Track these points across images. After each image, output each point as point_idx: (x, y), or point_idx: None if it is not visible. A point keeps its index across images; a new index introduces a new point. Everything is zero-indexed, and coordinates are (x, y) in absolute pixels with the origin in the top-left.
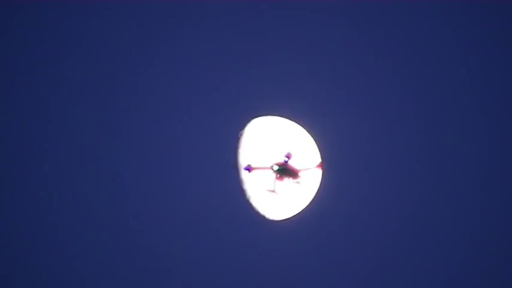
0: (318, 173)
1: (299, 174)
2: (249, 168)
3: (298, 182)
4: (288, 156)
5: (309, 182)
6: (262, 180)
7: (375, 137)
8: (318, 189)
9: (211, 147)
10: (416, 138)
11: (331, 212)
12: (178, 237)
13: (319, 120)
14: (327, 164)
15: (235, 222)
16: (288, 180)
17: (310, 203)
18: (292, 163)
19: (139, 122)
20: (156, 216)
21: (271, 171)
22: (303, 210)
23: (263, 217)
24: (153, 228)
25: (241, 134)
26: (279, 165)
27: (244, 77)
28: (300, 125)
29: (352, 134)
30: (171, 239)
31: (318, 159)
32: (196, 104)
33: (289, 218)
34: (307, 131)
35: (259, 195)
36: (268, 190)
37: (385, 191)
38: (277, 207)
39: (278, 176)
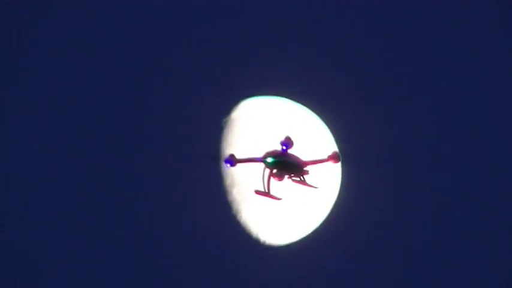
0: (333, 168)
1: (304, 168)
2: (231, 161)
3: (303, 181)
4: (287, 143)
5: (320, 181)
6: (249, 178)
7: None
8: (338, 197)
9: (191, 141)
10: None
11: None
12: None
13: (329, 103)
14: (344, 156)
15: (222, 248)
16: (289, 178)
17: (326, 219)
18: (293, 153)
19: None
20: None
21: (264, 164)
22: (314, 230)
23: (257, 242)
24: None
25: (226, 122)
26: (275, 156)
27: (230, 48)
28: (306, 108)
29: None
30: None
31: (331, 149)
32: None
33: (293, 243)
34: (318, 117)
35: (249, 202)
36: (259, 192)
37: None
38: (276, 224)
39: (274, 171)
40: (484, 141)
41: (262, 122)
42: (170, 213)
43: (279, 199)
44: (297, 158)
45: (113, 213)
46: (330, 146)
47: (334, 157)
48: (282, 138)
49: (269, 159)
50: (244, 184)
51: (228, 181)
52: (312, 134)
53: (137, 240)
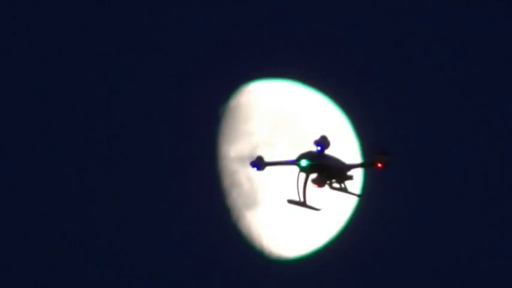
0: (379, 172)
1: (347, 172)
2: (258, 164)
3: (344, 188)
4: (323, 143)
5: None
6: (254, 177)
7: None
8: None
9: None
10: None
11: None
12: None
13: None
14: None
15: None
16: (326, 185)
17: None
18: (331, 154)
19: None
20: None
21: (298, 168)
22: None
23: (261, 254)
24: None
25: (223, 111)
26: (311, 158)
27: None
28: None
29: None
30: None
31: (380, 153)
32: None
33: (304, 256)
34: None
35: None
36: (294, 202)
37: None
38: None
39: (310, 176)
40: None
41: (266, 109)
42: (160, 219)
43: (318, 209)
44: (338, 160)
45: (103, 217)
46: (350, 138)
47: (381, 160)
48: (317, 137)
49: (304, 162)
50: (246, 185)
51: (227, 182)
52: (326, 123)
53: (128, 253)
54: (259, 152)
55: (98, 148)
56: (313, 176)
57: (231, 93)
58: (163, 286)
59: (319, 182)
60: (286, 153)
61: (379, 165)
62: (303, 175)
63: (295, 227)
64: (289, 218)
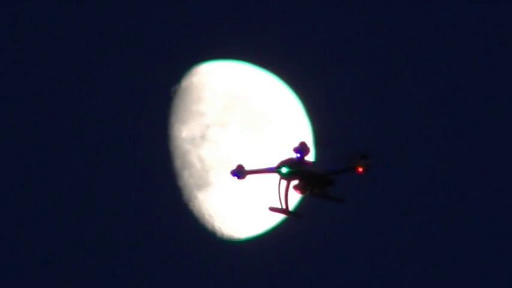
0: (360, 175)
1: (328, 178)
2: (238, 173)
3: (326, 194)
4: (302, 149)
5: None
6: (207, 157)
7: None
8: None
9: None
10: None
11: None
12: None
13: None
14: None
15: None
16: (308, 192)
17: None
18: (311, 160)
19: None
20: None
21: (279, 175)
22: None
23: (212, 235)
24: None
25: (175, 91)
26: (291, 165)
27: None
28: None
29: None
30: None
31: (361, 157)
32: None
33: (256, 237)
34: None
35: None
36: (275, 209)
37: None
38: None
39: (290, 182)
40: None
41: (218, 90)
42: (111, 200)
43: (300, 216)
44: (318, 166)
45: (54, 203)
46: (301, 118)
47: (362, 164)
48: (296, 144)
49: (284, 169)
50: (198, 166)
51: (178, 162)
52: (277, 103)
53: (79, 235)
54: (211, 133)
55: (50, 130)
56: (295, 182)
57: (182, 74)
58: (115, 266)
59: (301, 189)
60: (237, 134)
61: (360, 169)
62: (284, 182)
63: (246, 208)
64: (241, 199)
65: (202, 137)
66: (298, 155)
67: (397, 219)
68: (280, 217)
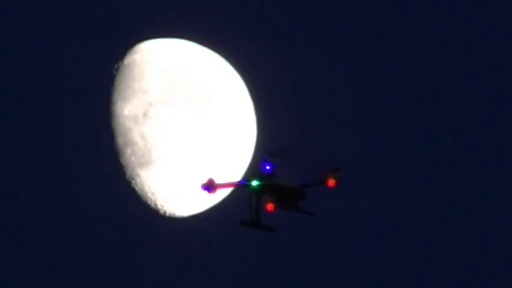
0: (331, 187)
1: (300, 191)
2: (209, 187)
3: (298, 207)
4: (270, 162)
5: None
6: (150, 135)
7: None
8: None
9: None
10: None
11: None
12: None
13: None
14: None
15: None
16: (284, 204)
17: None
18: (280, 172)
19: None
20: None
21: (249, 189)
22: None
23: (155, 212)
24: None
25: (117, 68)
26: (262, 179)
27: None
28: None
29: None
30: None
31: (332, 170)
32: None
33: (198, 214)
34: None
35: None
36: (247, 223)
37: None
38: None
39: (261, 196)
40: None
41: (161, 67)
42: (53, 178)
43: (274, 230)
44: (289, 179)
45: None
46: (244, 97)
47: (334, 177)
48: (264, 155)
49: (254, 183)
50: (140, 144)
51: (120, 140)
52: (221, 82)
53: (20, 217)
54: (153, 110)
55: None
56: (266, 197)
57: (124, 51)
58: (57, 244)
59: (272, 203)
60: (180, 112)
61: (332, 182)
62: (254, 196)
63: (189, 186)
64: (184, 176)
65: (145, 115)
66: (268, 168)
67: (369, 231)
68: (223, 195)
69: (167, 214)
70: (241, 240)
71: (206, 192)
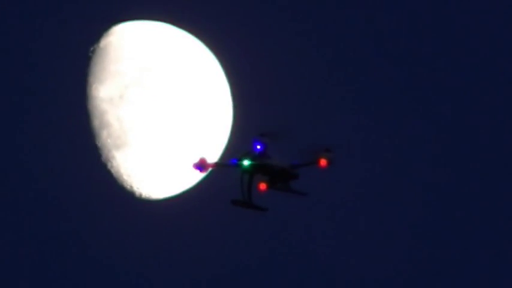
0: (323, 168)
1: (292, 172)
2: (201, 166)
3: (289, 187)
4: (262, 142)
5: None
6: (124, 117)
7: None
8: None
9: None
10: None
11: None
12: None
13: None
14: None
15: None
16: (275, 185)
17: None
18: (272, 151)
19: None
20: None
21: (241, 168)
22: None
23: (131, 195)
24: None
25: (94, 50)
26: (253, 158)
27: None
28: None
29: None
30: None
31: (324, 150)
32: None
33: (173, 197)
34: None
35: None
36: (238, 203)
37: None
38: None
39: (253, 175)
40: None
41: (137, 50)
42: (30, 161)
43: (265, 210)
44: (281, 159)
45: None
46: (220, 79)
47: (325, 157)
48: (255, 136)
49: (245, 162)
50: (116, 126)
51: (96, 122)
52: (197, 65)
53: None
54: (129, 93)
55: None
56: (257, 177)
57: (101, 33)
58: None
59: (265, 183)
60: (155, 94)
61: (324, 162)
62: (246, 175)
63: (164, 168)
64: (159, 159)
65: (121, 97)
66: (259, 147)
67: (359, 212)
68: (198, 177)
69: (143, 196)
70: (217, 223)
71: (198, 171)
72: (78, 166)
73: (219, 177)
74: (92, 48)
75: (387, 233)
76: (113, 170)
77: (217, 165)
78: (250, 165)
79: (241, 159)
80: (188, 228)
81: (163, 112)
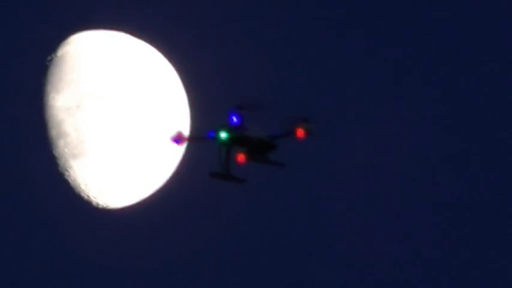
0: (301, 139)
1: (271, 142)
2: (178, 139)
3: (267, 159)
4: (238, 113)
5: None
6: (80, 127)
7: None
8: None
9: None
10: None
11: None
12: None
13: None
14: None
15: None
16: (253, 156)
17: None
18: (249, 123)
19: None
20: None
21: (218, 141)
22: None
23: (88, 204)
24: None
25: (51, 59)
26: (230, 130)
27: None
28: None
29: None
30: None
31: (302, 120)
32: None
33: (131, 206)
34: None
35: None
36: (216, 175)
37: None
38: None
39: (231, 147)
40: None
41: (94, 59)
42: None
43: (243, 181)
44: (258, 131)
45: None
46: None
47: (303, 128)
48: (233, 107)
49: (223, 135)
50: (73, 135)
51: (53, 131)
52: (154, 73)
53: None
54: (86, 102)
55: None
56: (235, 148)
57: (58, 42)
58: None
59: (244, 154)
60: (113, 103)
61: (301, 133)
62: (224, 147)
63: (122, 177)
64: (117, 168)
65: (78, 107)
66: (235, 119)
67: (338, 184)
68: (156, 186)
69: (100, 206)
70: (177, 230)
71: (175, 144)
72: (35, 176)
73: (178, 184)
74: (49, 58)
75: (367, 202)
76: (70, 180)
77: (194, 139)
78: (228, 137)
79: (218, 132)
80: (145, 238)
81: (121, 122)
